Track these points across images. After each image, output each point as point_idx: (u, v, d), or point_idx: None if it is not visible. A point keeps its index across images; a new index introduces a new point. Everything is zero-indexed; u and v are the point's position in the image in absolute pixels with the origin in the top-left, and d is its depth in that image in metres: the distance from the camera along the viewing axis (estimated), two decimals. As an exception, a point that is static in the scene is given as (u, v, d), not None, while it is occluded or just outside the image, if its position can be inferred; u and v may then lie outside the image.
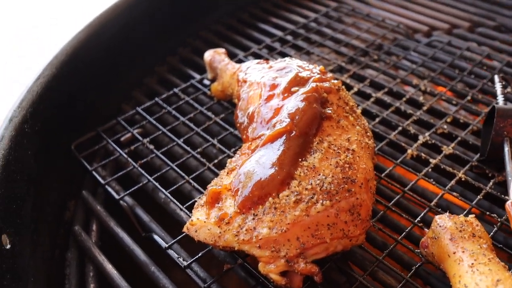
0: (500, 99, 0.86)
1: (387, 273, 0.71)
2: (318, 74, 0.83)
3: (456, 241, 0.64)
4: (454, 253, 0.63)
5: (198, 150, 0.92)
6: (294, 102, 0.76)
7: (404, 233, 0.75)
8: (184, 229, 0.69)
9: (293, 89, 0.79)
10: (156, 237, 0.77)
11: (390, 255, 0.74)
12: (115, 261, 0.77)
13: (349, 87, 1.08)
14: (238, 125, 0.85)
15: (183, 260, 0.73)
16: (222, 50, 1.06)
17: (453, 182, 0.83)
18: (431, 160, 0.87)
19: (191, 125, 0.98)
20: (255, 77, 0.88)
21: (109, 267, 0.74)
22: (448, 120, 0.97)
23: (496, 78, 0.91)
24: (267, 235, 0.63)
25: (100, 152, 0.96)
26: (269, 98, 0.80)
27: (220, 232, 0.66)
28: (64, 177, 0.92)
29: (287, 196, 0.66)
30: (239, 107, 0.86)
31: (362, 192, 0.69)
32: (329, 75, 0.86)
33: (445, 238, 0.65)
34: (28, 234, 0.74)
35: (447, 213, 0.68)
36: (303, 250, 0.63)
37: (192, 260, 0.72)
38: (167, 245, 0.75)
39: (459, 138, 0.92)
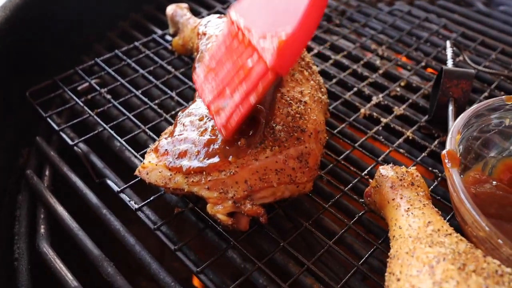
0: (450, 63, 0.89)
1: (332, 221, 0.74)
2: None
3: (396, 188, 0.68)
4: (393, 199, 0.67)
5: (156, 101, 0.92)
6: None
7: (351, 184, 0.78)
8: (136, 172, 0.70)
9: None
10: (109, 182, 0.78)
11: (336, 205, 0.77)
12: (67, 206, 0.77)
13: (309, 49, 1.10)
14: (195, 77, 0.86)
15: (135, 203, 0.74)
16: (185, 5, 1.05)
17: (401, 140, 0.87)
18: (382, 119, 0.91)
19: (150, 77, 0.98)
20: (213, 30, 0.88)
21: (60, 209, 0.75)
22: (402, 84, 1.01)
23: (448, 43, 0.94)
24: (216, 177, 0.65)
25: (56, 101, 0.95)
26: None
27: (170, 175, 0.67)
28: (18, 124, 0.91)
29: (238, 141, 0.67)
30: (197, 59, 0.87)
31: (311, 141, 0.71)
32: None
33: (386, 186, 0.69)
34: (-23, 175, 0.73)
35: (391, 164, 0.72)
36: (250, 192, 0.66)
37: (144, 203, 0.73)
38: (119, 189, 0.75)
39: (410, 101, 0.95)
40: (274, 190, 0.68)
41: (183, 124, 0.73)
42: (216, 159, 0.66)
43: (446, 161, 0.63)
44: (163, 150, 0.70)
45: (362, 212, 0.74)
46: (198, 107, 0.75)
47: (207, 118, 0.71)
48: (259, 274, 0.66)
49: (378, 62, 1.06)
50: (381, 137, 0.87)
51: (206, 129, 0.70)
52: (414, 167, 0.72)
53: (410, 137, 0.88)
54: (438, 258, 0.54)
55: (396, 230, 0.63)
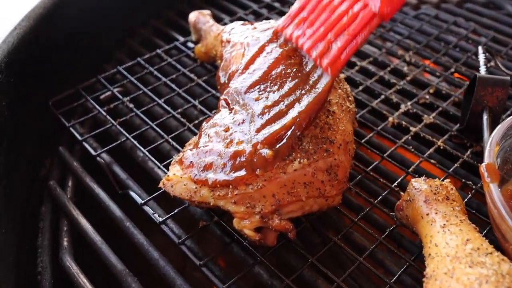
0: (483, 69, 0.86)
1: (362, 235, 0.72)
2: None
3: (430, 203, 0.65)
4: (428, 214, 0.64)
5: (179, 110, 0.90)
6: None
7: (380, 197, 0.75)
8: (160, 184, 0.68)
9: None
10: (132, 193, 0.76)
11: (366, 218, 0.74)
12: (90, 217, 0.76)
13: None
14: (219, 85, 0.84)
15: (159, 216, 0.72)
16: (207, 11, 1.03)
17: (431, 150, 0.83)
18: (411, 128, 0.88)
19: (173, 86, 0.96)
20: (238, 37, 0.86)
21: (83, 222, 0.74)
22: (431, 91, 0.98)
23: (480, 49, 0.90)
24: (243, 191, 0.63)
25: (78, 110, 0.94)
26: (251, 60, 0.79)
27: (196, 188, 0.65)
28: (41, 133, 0.90)
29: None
30: (221, 68, 0.85)
31: (340, 153, 0.69)
32: None
33: (420, 200, 0.66)
34: (0, 187, 0.72)
35: (423, 177, 0.69)
36: (278, 206, 0.63)
37: (168, 216, 0.72)
38: (143, 201, 0.74)
39: (440, 109, 0.92)
40: (302, 204, 0.66)
41: (208, 135, 0.71)
42: (242, 172, 0.63)
43: (486, 175, 0.60)
44: (188, 162, 0.68)
45: (393, 226, 0.71)
46: (223, 117, 0.73)
47: (233, 129, 0.69)
48: (287, 291, 0.64)
49: (405, 68, 1.03)
50: (410, 146, 0.84)
51: (232, 141, 0.68)
52: (448, 180, 0.69)
53: (441, 147, 0.84)
54: (480, 280, 0.51)
55: (432, 247, 0.60)
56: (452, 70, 1.02)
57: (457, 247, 0.57)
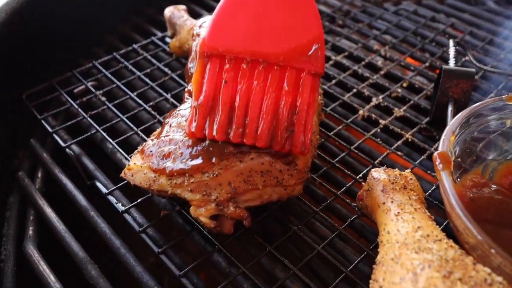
0: (452, 62, 0.86)
1: (323, 225, 0.72)
2: None
3: (387, 192, 0.65)
4: (384, 203, 0.64)
5: (151, 103, 0.91)
6: None
7: (344, 188, 0.76)
8: (122, 174, 0.69)
9: None
10: (98, 184, 0.77)
11: (328, 209, 0.74)
12: (57, 208, 0.77)
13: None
14: (187, 78, 0.85)
15: (122, 205, 0.73)
16: (183, 6, 1.04)
17: (399, 142, 0.84)
18: (381, 121, 0.88)
19: (147, 80, 0.97)
20: (205, 31, 0.87)
21: (49, 211, 0.74)
22: (404, 84, 0.98)
23: (451, 42, 0.91)
24: (199, 179, 0.64)
25: (52, 104, 0.95)
26: None
27: (155, 176, 0.66)
28: (14, 126, 0.91)
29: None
30: (190, 60, 0.86)
31: (300, 143, 0.69)
32: None
33: (377, 189, 0.66)
34: (-32, 176, 0.73)
35: (384, 167, 0.69)
36: (234, 194, 0.64)
37: (131, 205, 0.72)
38: (107, 191, 0.75)
39: (411, 102, 0.92)
40: (260, 193, 0.66)
41: (170, 125, 0.72)
42: (199, 161, 0.64)
43: (437, 162, 0.60)
44: (148, 152, 0.69)
45: (354, 217, 0.71)
46: (185, 108, 0.73)
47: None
48: (244, 279, 0.64)
49: (380, 62, 1.03)
50: (379, 139, 0.84)
51: (192, 130, 0.68)
52: (409, 170, 0.70)
53: (410, 139, 0.84)
54: (423, 265, 0.51)
55: (385, 235, 0.60)
56: (427, 64, 1.02)
57: (407, 234, 0.57)
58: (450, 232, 0.61)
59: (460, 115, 0.67)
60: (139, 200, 0.73)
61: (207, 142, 0.66)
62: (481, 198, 0.66)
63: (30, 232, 0.73)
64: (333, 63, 1.03)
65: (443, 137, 0.63)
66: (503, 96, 0.69)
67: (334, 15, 1.19)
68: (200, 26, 0.90)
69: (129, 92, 0.93)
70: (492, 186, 0.68)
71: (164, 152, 0.67)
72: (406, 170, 0.70)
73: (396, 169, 0.69)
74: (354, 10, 1.22)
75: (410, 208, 0.62)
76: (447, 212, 0.62)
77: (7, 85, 0.90)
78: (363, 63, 1.03)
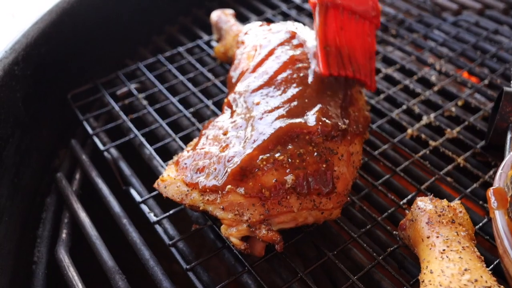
0: (515, 83, 0.79)
1: (361, 252, 0.68)
2: None
3: (433, 225, 0.60)
4: (428, 237, 0.59)
5: (191, 110, 0.90)
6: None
7: (386, 213, 0.71)
8: (155, 185, 0.68)
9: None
10: (132, 190, 0.77)
11: (368, 235, 0.70)
12: (92, 212, 0.77)
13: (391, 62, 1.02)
14: (229, 87, 0.83)
15: (154, 215, 0.72)
16: (230, 11, 1.02)
17: (450, 167, 0.78)
18: (430, 142, 0.82)
19: (189, 85, 0.96)
20: (252, 38, 0.84)
21: (83, 215, 0.75)
22: (459, 103, 0.91)
23: (515, 60, 0.83)
24: (232, 198, 0.61)
25: (95, 105, 0.96)
26: (260, 63, 0.77)
27: (187, 190, 0.64)
28: (57, 126, 0.92)
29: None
30: (233, 68, 0.84)
31: (341, 164, 0.65)
32: None
33: (422, 221, 0.61)
34: (9, 176, 0.75)
35: (431, 196, 0.64)
36: (267, 216, 0.61)
37: (163, 216, 0.71)
38: (141, 200, 0.74)
39: (466, 123, 0.86)
40: (295, 216, 0.63)
41: (207, 137, 0.70)
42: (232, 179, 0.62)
43: (492, 200, 0.55)
44: (183, 164, 0.67)
45: (395, 247, 0.67)
46: (223, 120, 0.71)
47: (231, 133, 0.68)
48: (272, 305, 0.62)
49: (434, 77, 0.96)
50: (427, 162, 0.79)
51: (228, 145, 0.66)
52: (459, 201, 0.64)
53: (462, 165, 0.78)
54: (469, 316, 0.46)
55: (427, 274, 0.55)
56: (486, 82, 0.94)
57: (453, 276, 0.52)
58: (501, 273, 0.56)
59: (521, 146, 0.61)
60: (171, 212, 0.72)
61: (241, 159, 0.63)
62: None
63: (64, 235, 0.74)
64: (383, 76, 0.98)
65: (499, 170, 0.57)
66: None
67: (387, 24, 1.13)
68: (245, 33, 0.88)
69: (171, 97, 0.93)
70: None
71: (199, 166, 0.65)
72: (454, 200, 0.64)
73: (444, 199, 0.63)
74: (410, 19, 1.15)
75: (457, 246, 0.57)
76: (499, 254, 0.56)
77: (54, 84, 0.91)
78: (415, 77, 0.97)
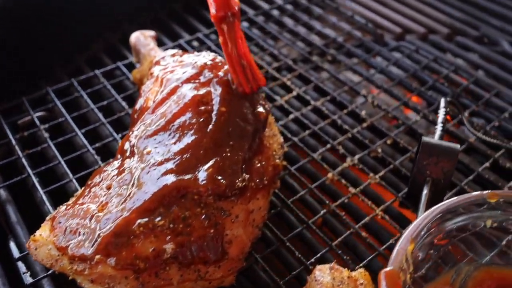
0: (439, 129, 0.73)
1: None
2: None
3: (327, 302, 0.54)
4: (320, 316, 0.53)
5: (97, 145, 0.82)
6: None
7: (290, 275, 0.65)
8: (27, 245, 0.60)
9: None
10: (12, 244, 0.69)
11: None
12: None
13: (288, 90, 0.96)
14: (132, 122, 0.75)
15: (30, 276, 0.64)
16: (151, 33, 0.94)
17: (367, 219, 0.72)
18: (350, 189, 0.76)
19: (99, 114, 0.88)
20: (159, 70, 0.77)
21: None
22: (388, 142, 0.85)
23: (443, 102, 0.77)
24: (102, 269, 0.54)
25: (-7, 134, 0.87)
26: (161, 101, 0.69)
27: (58, 255, 0.56)
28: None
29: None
30: (138, 103, 0.76)
31: (235, 226, 0.59)
32: None
33: (317, 296, 0.55)
34: None
35: (331, 264, 0.58)
36: (141, 291, 0.54)
37: (40, 277, 0.63)
38: (19, 255, 0.66)
39: (391, 166, 0.80)
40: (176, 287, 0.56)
41: (90, 190, 0.62)
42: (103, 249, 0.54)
43: (383, 284, 0.48)
44: (57, 222, 0.59)
45: (292, 316, 0.60)
46: (111, 169, 0.63)
47: (114, 188, 0.60)
48: None
49: (364, 112, 0.90)
50: (344, 213, 0.73)
51: (106, 203, 0.58)
52: (363, 270, 0.58)
53: (380, 216, 0.72)
54: None
55: None
56: (418, 118, 0.89)
57: None
58: None
59: (428, 214, 0.55)
60: (50, 271, 0.64)
61: (118, 221, 0.56)
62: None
63: None
64: (312, 109, 0.91)
65: (397, 247, 0.51)
66: (485, 193, 0.57)
67: (324, 48, 1.07)
68: (156, 63, 0.80)
69: (76, 129, 0.84)
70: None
71: (72, 226, 0.57)
72: (359, 270, 0.58)
73: (345, 269, 0.57)
74: (349, 44, 1.09)
75: (348, 331, 0.51)
76: None
77: None
78: (345, 111, 0.90)
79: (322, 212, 0.73)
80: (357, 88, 0.96)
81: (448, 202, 0.57)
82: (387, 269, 0.49)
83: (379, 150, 0.82)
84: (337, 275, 0.56)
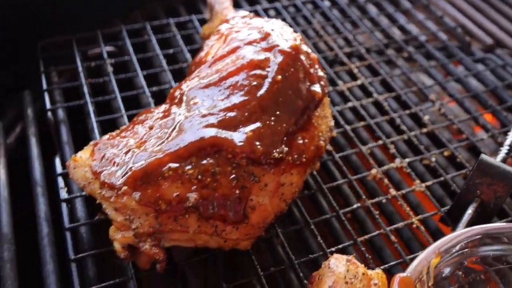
0: (504, 151, 0.67)
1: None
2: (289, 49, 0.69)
3: (334, 291, 0.52)
4: (324, 303, 0.52)
5: (154, 89, 0.84)
6: None
7: (306, 258, 0.63)
8: (67, 163, 0.63)
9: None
10: (57, 160, 0.72)
11: (281, 275, 0.63)
12: (17, 171, 0.73)
13: (354, 78, 0.92)
14: (187, 74, 0.75)
15: (66, 192, 0.68)
16: (230, -8, 0.94)
17: (400, 224, 0.68)
18: (391, 191, 0.72)
19: (163, 61, 0.89)
20: (225, 28, 0.76)
21: (2, 172, 0.71)
22: (445, 153, 0.80)
23: (515, 123, 0.71)
24: (127, 200, 0.55)
25: (63, 60, 0.90)
26: (220, 57, 0.69)
27: (91, 178, 0.59)
28: (20, 73, 0.89)
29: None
30: (197, 57, 0.76)
31: (262, 194, 0.58)
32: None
33: (326, 283, 0.53)
34: None
35: (349, 257, 0.56)
36: (157, 230, 0.55)
37: (72, 196, 0.67)
38: (60, 172, 0.70)
39: (441, 178, 0.75)
40: (191, 237, 0.57)
41: (133, 126, 0.64)
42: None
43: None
44: (97, 149, 0.61)
45: (297, 299, 0.59)
46: (157, 112, 0.65)
47: (155, 130, 0.61)
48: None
49: (427, 118, 0.85)
50: (378, 212, 0.70)
51: (145, 142, 0.59)
52: (381, 271, 0.55)
53: (415, 225, 0.69)
54: None
55: None
56: (485, 137, 0.83)
57: None
58: None
59: (465, 231, 0.52)
60: (84, 193, 0.67)
61: (152, 159, 0.57)
62: None
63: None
64: (373, 101, 0.87)
65: (420, 256, 0.48)
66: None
67: (403, 44, 1.01)
68: (225, 21, 0.80)
69: (139, 70, 0.87)
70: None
71: (110, 155, 0.59)
72: (377, 269, 0.56)
73: (362, 266, 0.55)
74: (431, 44, 1.03)
75: (347, 326, 0.49)
76: None
77: (25, 30, 0.87)
78: (407, 111, 0.86)
79: (355, 205, 0.70)
80: (427, 92, 0.90)
81: (491, 225, 0.53)
82: (403, 274, 0.47)
83: (433, 159, 0.78)
84: (352, 269, 0.54)
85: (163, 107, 0.66)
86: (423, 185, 0.74)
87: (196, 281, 0.64)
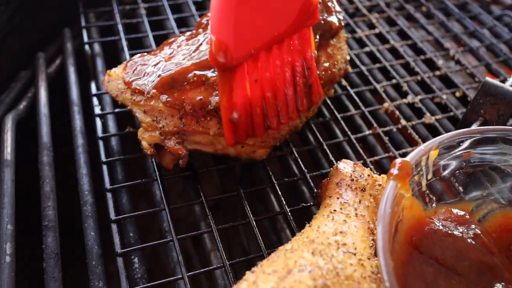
0: (510, 81, 0.70)
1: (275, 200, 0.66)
2: None
3: (341, 186, 0.57)
4: (331, 196, 0.57)
5: (183, 29, 0.90)
6: None
7: (318, 172, 0.68)
8: (102, 78, 0.69)
9: None
10: (93, 84, 0.79)
11: (292, 186, 0.68)
12: (56, 96, 0.81)
13: (372, 27, 0.96)
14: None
15: (100, 109, 0.74)
16: None
17: (408, 149, 0.72)
18: (401, 121, 0.77)
19: (193, 7, 0.95)
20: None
21: (43, 94, 0.79)
22: (457, 94, 0.83)
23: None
24: (155, 103, 0.61)
25: (102, 2, 0.97)
26: None
27: (124, 88, 0.65)
28: (62, 11, 0.95)
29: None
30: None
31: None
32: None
33: (333, 181, 0.58)
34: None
35: (359, 162, 0.60)
36: (181, 130, 0.61)
37: (107, 112, 0.73)
38: (95, 92, 0.76)
39: (451, 113, 0.79)
40: (211, 140, 0.62)
41: (163, 47, 0.70)
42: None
43: (397, 166, 0.50)
44: (130, 63, 0.68)
45: (308, 204, 0.64)
46: (185, 36, 0.70)
47: (183, 47, 0.67)
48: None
49: (440, 62, 0.88)
50: (387, 138, 0.74)
51: (173, 56, 0.65)
52: (385, 176, 0.60)
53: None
54: (306, 268, 0.44)
55: (305, 227, 0.53)
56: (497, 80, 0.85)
57: (323, 233, 0.50)
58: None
59: (464, 131, 0.55)
60: (116, 110, 0.73)
61: (178, 68, 0.62)
62: (446, 234, 0.54)
63: (21, 106, 0.78)
64: (389, 48, 0.91)
65: (421, 147, 0.52)
66: (531, 131, 0.55)
67: (423, 0, 1.05)
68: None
69: (170, 14, 0.93)
70: (475, 228, 0.56)
71: (141, 68, 0.65)
72: (382, 175, 0.60)
73: (368, 169, 0.59)
74: (450, 1, 1.06)
75: (350, 211, 0.54)
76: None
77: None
78: (422, 57, 0.89)
79: (367, 132, 0.74)
80: (443, 41, 0.93)
81: (489, 127, 0.57)
82: (404, 158, 0.51)
83: (444, 97, 0.81)
84: (359, 170, 0.59)
85: (195, 32, 0.72)
86: (433, 118, 0.77)
87: (214, 187, 0.69)
